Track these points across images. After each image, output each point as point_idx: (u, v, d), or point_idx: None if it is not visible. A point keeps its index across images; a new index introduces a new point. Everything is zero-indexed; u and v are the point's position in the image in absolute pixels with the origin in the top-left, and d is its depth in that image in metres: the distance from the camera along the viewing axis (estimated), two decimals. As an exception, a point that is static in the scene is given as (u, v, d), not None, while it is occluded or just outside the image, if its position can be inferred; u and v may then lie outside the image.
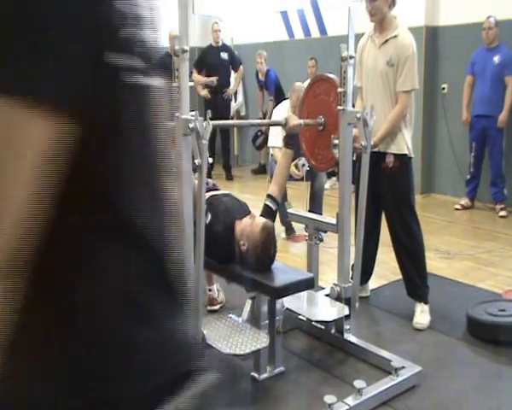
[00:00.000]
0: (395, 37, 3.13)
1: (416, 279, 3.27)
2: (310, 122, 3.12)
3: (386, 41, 3.15)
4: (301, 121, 3.04)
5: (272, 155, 4.99)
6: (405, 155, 3.22)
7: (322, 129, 3.12)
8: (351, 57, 2.77)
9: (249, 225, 2.69)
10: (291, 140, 3.04)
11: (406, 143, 3.23)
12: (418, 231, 3.27)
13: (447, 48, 6.40)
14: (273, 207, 2.93)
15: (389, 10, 3.14)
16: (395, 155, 3.20)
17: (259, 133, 7.92)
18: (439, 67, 6.51)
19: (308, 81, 7.30)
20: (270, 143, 5.01)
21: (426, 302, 3.27)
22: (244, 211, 2.91)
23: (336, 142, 2.92)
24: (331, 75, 3.15)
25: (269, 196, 2.97)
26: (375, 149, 3.13)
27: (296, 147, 3.11)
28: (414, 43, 3.15)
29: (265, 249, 2.65)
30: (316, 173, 4.76)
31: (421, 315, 3.23)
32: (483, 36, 5.64)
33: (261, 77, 7.98)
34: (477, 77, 5.78)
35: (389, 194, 3.24)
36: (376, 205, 3.20)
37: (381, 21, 3.15)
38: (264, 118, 7.97)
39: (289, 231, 4.94)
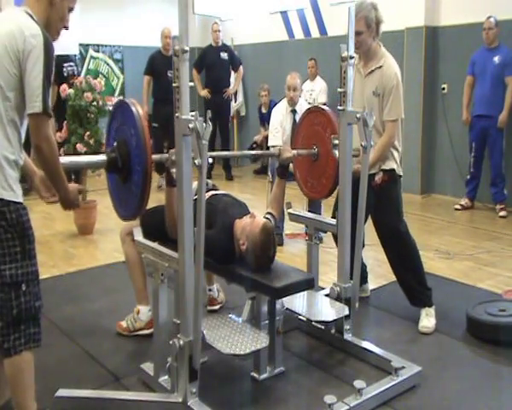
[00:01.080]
0: (380, 67, 3.18)
1: (416, 287, 3.26)
2: (303, 153, 3.18)
3: (372, 71, 3.20)
4: (295, 152, 3.11)
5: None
6: (393, 169, 3.26)
7: (316, 159, 3.18)
8: (351, 57, 2.77)
9: (249, 225, 2.69)
10: (284, 170, 3.08)
11: (396, 161, 3.27)
12: (410, 239, 3.26)
13: (447, 48, 6.40)
14: (272, 222, 2.93)
15: (374, 41, 3.19)
16: (383, 170, 3.23)
17: (254, 145, 7.93)
18: (439, 67, 6.51)
19: (308, 81, 7.35)
20: (270, 143, 5.01)
21: (430, 305, 3.27)
22: (243, 211, 2.91)
23: (336, 142, 2.93)
24: (328, 109, 3.20)
25: (269, 212, 3.01)
26: None
27: (289, 175, 3.14)
28: (398, 71, 3.20)
29: (265, 249, 2.65)
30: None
31: (427, 318, 3.22)
32: (483, 36, 5.65)
33: (264, 110, 7.89)
34: (477, 77, 5.78)
35: (379, 208, 3.24)
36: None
37: (366, 53, 3.21)
38: (256, 145, 7.93)
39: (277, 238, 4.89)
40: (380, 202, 3.22)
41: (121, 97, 8.88)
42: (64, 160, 2.22)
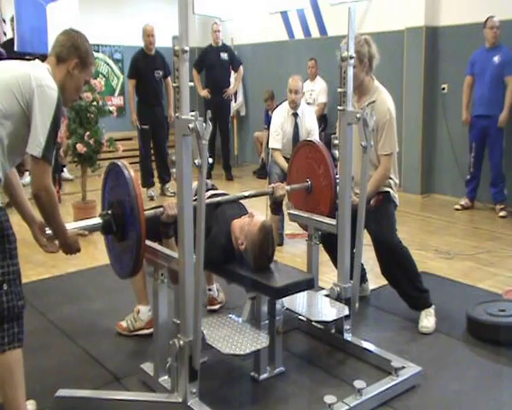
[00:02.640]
0: (373, 102, 3.21)
1: (413, 294, 3.27)
2: (297, 187, 3.27)
3: (366, 106, 3.20)
4: (288, 188, 3.19)
5: (272, 155, 5.00)
6: (388, 192, 3.33)
7: (310, 191, 3.24)
8: (351, 57, 2.77)
9: (247, 224, 2.70)
10: (278, 207, 3.09)
11: (392, 188, 3.34)
12: (403, 248, 3.26)
13: (447, 48, 6.40)
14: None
15: (367, 75, 3.22)
16: (379, 192, 3.30)
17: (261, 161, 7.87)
18: (439, 67, 6.51)
19: (308, 81, 7.35)
20: (270, 145, 5.01)
21: (429, 306, 3.27)
22: (242, 211, 2.91)
23: (336, 142, 2.93)
24: (321, 144, 3.24)
25: None
26: None
27: (278, 213, 3.16)
28: (392, 106, 3.24)
29: (264, 248, 2.65)
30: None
31: (427, 318, 3.22)
32: (488, 35, 5.60)
33: (270, 113, 7.75)
34: (477, 77, 5.77)
35: (374, 225, 3.24)
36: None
37: (358, 87, 3.23)
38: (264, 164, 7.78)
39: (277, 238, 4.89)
40: (375, 218, 3.24)
41: (121, 97, 8.89)
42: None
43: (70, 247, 2.27)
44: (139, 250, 2.33)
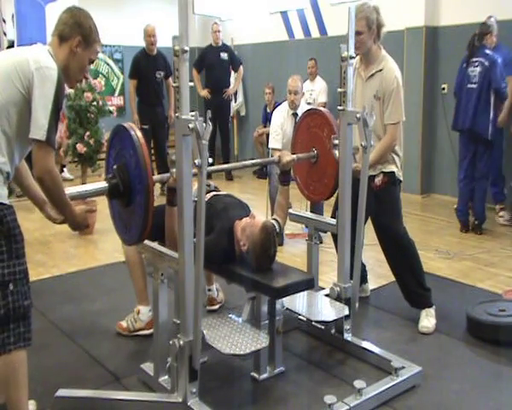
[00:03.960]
0: (380, 70, 3.17)
1: (416, 289, 3.26)
2: (303, 156, 3.17)
3: (372, 75, 3.19)
4: (294, 157, 3.09)
5: (272, 155, 5.00)
6: (393, 172, 3.25)
7: (315, 161, 3.18)
8: (351, 57, 2.77)
9: (249, 225, 2.70)
10: (285, 177, 3.07)
11: (396, 165, 3.27)
12: (409, 241, 3.26)
13: (447, 48, 6.40)
14: (277, 228, 2.93)
15: (374, 43, 3.17)
16: (383, 172, 3.23)
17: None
18: (439, 67, 6.51)
19: (308, 81, 7.35)
20: (270, 145, 5.01)
21: (430, 306, 3.27)
22: (245, 211, 2.91)
23: (336, 142, 2.93)
24: (324, 109, 3.21)
25: (274, 218, 3.01)
26: None
27: (291, 179, 3.13)
28: (399, 75, 3.19)
29: (265, 248, 2.65)
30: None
31: (427, 318, 3.22)
32: None
33: (269, 109, 7.63)
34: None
35: (379, 209, 3.24)
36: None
37: (366, 54, 3.19)
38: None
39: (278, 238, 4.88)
40: (379, 205, 3.23)
41: (121, 97, 8.89)
42: (66, 191, 2.23)
43: (79, 224, 2.23)
44: (147, 214, 2.26)
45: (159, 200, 2.86)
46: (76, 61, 2.15)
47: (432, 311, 3.25)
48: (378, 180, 3.22)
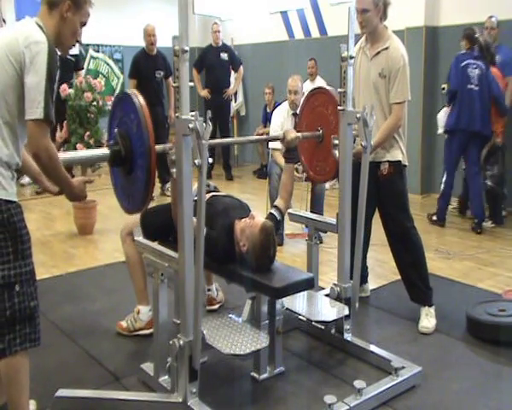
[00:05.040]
0: (386, 48, 3.14)
1: (418, 284, 3.27)
2: (308, 135, 3.13)
3: (378, 53, 3.17)
4: (299, 135, 3.04)
5: (272, 155, 5.00)
6: (399, 161, 3.23)
7: (321, 141, 3.14)
8: (351, 57, 2.77)
9: (249, 226, 2.70)
10: (291, 154, 3.05)
11: (401, 151, 3.24)
12: (416, 235, 3.26)
13: (447, 48, 6.39)
14: (278, 216, 2.94)
15: (380, 22, 3.15)
16: (389, 162, 3.22)
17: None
18: (439, 67, 6.51)
19: (308, 81, 7.35)
20: (270, 145, 5.01)
21: (430, 305, 3.26)
22: (245, 212, 2.91)
23: (336, 142, 2.92)
24: (328, 87, 3.17)
25: (275, 206, 3.00)
26: (371, 159, 3.13)
27: (296, 158, 3.10)
28: (405, 54, 3.16)
29: (265, 250, 2.65)
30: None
31: (427, 318, 3.22)
32: None
33: (268, 109, 7.65)
34: None
35: (385, 201, 3.25)
36: (367, 210, 3.19)
37: (372, 33, 3.17)
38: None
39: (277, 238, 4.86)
40: (385, 197, 3.22)
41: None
42: (67, 155, 2.21)
43: (76, 196, 2.21)
44: (149, 181, 2.24)
45: (159, 200, 2.86)
46: (67, 27, 2.09)
47: (432, 311, 3.25)
48: (384, 169, 3.20)
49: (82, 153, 2.34)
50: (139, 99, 2.27)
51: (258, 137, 2.70)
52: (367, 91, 3.18)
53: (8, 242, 1.98)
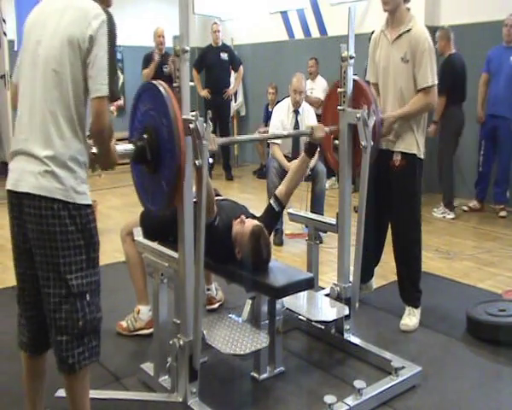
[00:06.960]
0: (408, 31, 2.99)
1: (405, 282, 3.27)
2: (335, 129, 2.95)
3: (400, 36, 3.02)
4: (327, 130, 2.89)
5: (271, 150, 4.99)
6: (414, 155, 3.08)
7: None
8: (351, 57, 2.77)
9: (239, 233, 2.70)
10: (312, 150, 2.96)
11: (417, 143, 3.09)
12: (417, 235, 3.24)
13: (447, 48, 6.38)
14: (276, 208, 2.93)
15: (403, 2, 3.02)
16: (402, 153, 3.08)
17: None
18: (438, 67, 6.49)
19: (309, 81, 7.35)
20: (269, 141, 5.00)
21: (415, 306, 3.25)
22: (244, 213, 2.91)
23: (336, 142, 2.92)
24: (359, 79, 2.94)
25: (275, 196, 2.97)
26: (384, 147, 3.09)
27: (312, 155, 3.01)
28: (429, 37, 3.00)
29: (257, 253, 2.66)
30: (317, 176, 4.77)
31: (409, 317, 3.22)
32: (503, 33, 5.47)
33: (270, 108, 7.51)
34: (492, 75, 5.60)
35: (394, 194, 3.18)
36: (381, 204, 3.14)
37: (393, 12, 3.02)
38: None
39: (277, 238, 4.88)
40: (395, 192, 3.15)
41: (121, 98, 8.87)
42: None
43: (113, 164, 2.04)
44: (178, 181, 2.10)
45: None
46: None
47: (416, 311, 3.25)
48: (396, 160, 3.07)
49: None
50: (167, 90, 2.10)
51: (279, 132, 2.56)
52: (387, 78, 3.03)
53: (82, 249, 1.90)
